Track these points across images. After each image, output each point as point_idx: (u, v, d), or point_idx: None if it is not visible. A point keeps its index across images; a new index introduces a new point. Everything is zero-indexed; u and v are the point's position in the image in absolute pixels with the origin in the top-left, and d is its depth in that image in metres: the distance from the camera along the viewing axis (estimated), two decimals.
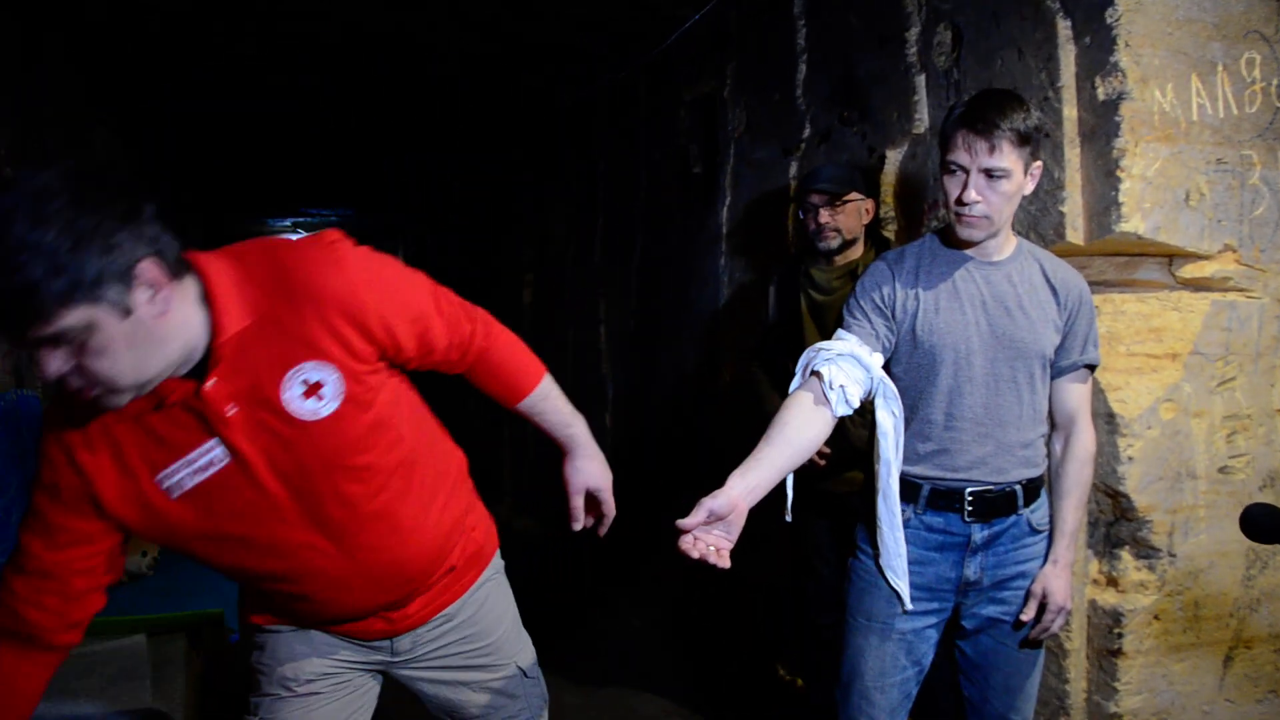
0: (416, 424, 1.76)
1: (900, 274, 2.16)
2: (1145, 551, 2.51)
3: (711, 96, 4.69)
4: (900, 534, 2.10)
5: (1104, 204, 2.46)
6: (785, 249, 3.84)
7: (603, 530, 2.09)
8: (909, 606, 2.14)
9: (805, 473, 2.84)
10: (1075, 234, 2.53)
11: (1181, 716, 2.57)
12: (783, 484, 2.01)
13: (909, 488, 2.13)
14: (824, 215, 2.99)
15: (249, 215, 12.75)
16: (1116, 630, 2.49)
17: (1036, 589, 2.13)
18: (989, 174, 2.00)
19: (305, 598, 1.72)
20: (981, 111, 2.00)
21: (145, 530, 1.58)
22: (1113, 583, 2.54)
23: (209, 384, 1.46)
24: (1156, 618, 2.52)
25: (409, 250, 13.44)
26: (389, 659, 1.90)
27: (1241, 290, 2.59)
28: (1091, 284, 2.60)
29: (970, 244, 2.11)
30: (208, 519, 1.56)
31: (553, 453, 2.08)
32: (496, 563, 2.03)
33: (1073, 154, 2.53)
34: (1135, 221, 2.43)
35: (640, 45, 5.16)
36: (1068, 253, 2.55)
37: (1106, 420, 2.47)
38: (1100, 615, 2.53)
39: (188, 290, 1.43)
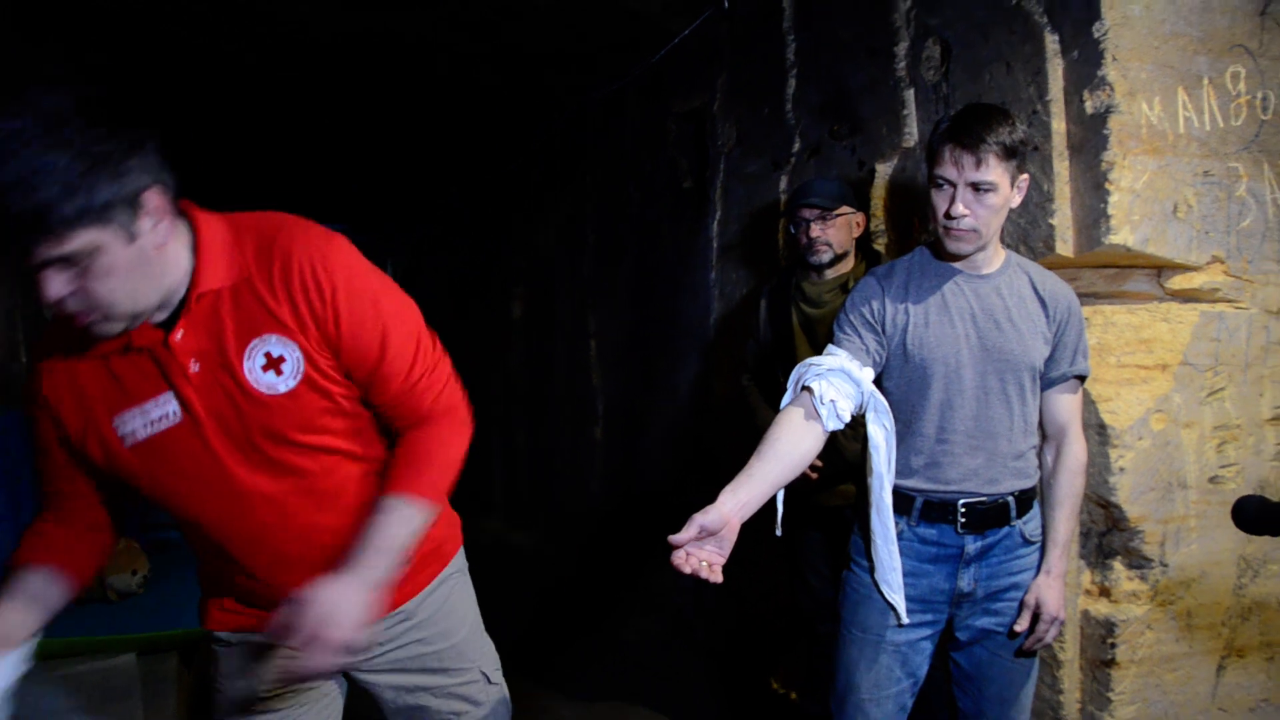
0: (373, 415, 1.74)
1: (890, 289, 2.17)
2: (1137, 561, 2.52)
3: (702, 110, 4.70)
4: (894, 547, 2.11)
5: (1093, 216, 2.48)
6: (776, 262, 3.85)
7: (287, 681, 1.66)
8: (905, 620, 2.14)
9: (798, 487, 2.84)
10: (1065, 246, 2.54)
11: None
12: (774, 498, 2.01)
13: (903, 500, 2.14)
14: (815, 229, 3.00)
15: None
16: (1109, 640, 2.50)
17: (1030, 599, 2.14)
18: (976, 188, 2.02)
19: (251, 575, 1.70)
20: (967, 126, 2.02)
21: (107, 470, 1.61)
22: (1105, 593, 2.55)
23: (177, 335, 1.50)
24: (1149, 627, 2.53)
25: (397, 264, 13.44)
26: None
27: (1230, 301, 2.61)
28: (1082, 296, 2.61)
29: (959, 258, 2.13)
30: (160, 472, 1.58)
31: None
32: (458, 561, 1.99)
33: (1062, 167, 2.55)
34: (1124, 234, 2.45)
35: (631, 59, 5.18)
36: (1058, 265, 2.57)
37: (1098, 431, 2.48)
38: (1093, 625, 2.54)
39: (181, 233, 1.49)
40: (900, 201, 3.14)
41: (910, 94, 3.11)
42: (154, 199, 1.39)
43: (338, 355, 1.60)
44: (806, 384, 2.03)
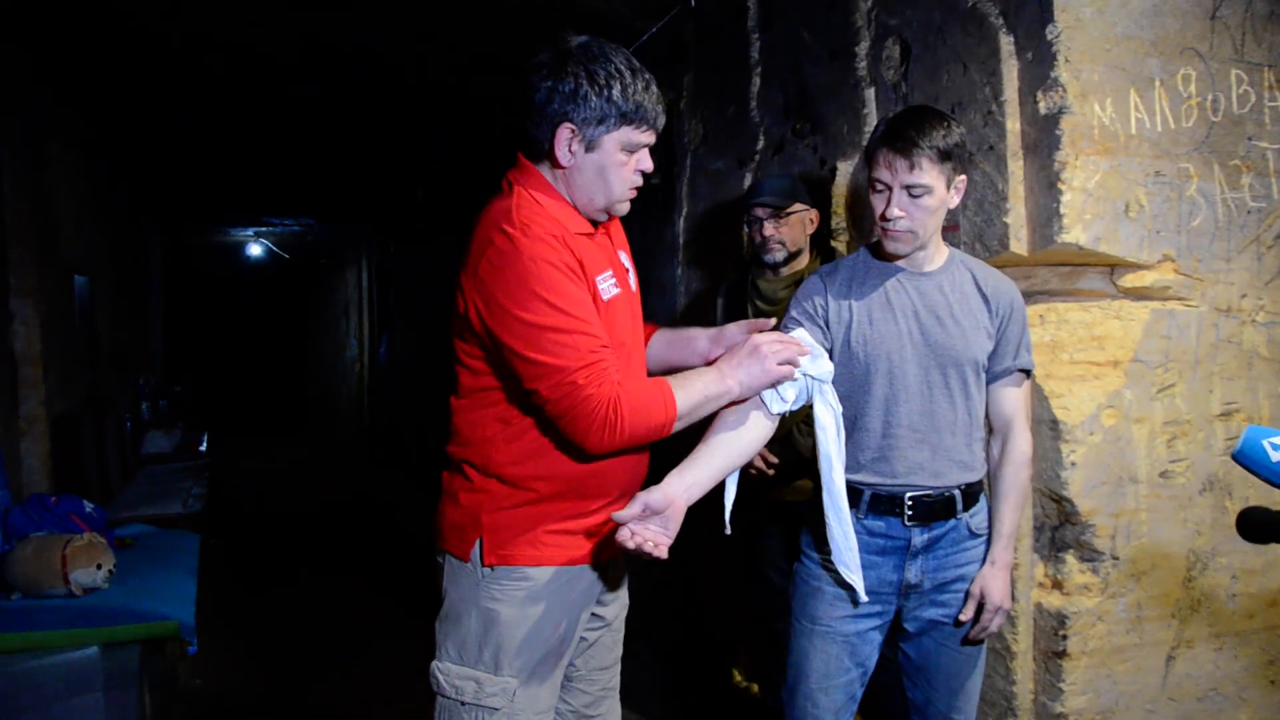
0: None
1: (832, 287, 2.22)
2: (1089, 555, 2.56)
3: (668, 108, 4.72)
4: (849, 528, 2.12)
5: (1046, 215, 2.51)
6: (740, 258, 3.88)
7: None
8: (864, 599, 2.16)
9: (755, 483, 2.88)
10: (1019, 245, 2.58)
11: (1125, 716, 2.62)
12: (723, 495, 2.05)
13: (852, 493, 2.17)
14: (768, 228, 3.03)
15: (208, 225, 12.69)
16: (1061, 632, 2.54)
17: (975, 589, 2.17)
18: (910, 191, 2.05)
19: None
20: (901, 130, 2.06)
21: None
22: (1058, 585, 2.59)
23: (610, 234, 2.09)
24: (1100, 619, 2.57)
25: (371, 261, 13.39)
26: (601, 593, 2.06)
27: (1180, 299, 2.66)
28: (1035, 293, 2.66)
29: (899, 257, 2.17)
30: (614, 329, 1.94)
31: None
32: None
33: (1016, 166, 2.58)
34: (1077, 232, 2.49)
35: None
36: (1012, 263, 2.60)
37: (1050, 426, 2.52)
38: (1046, 618, 2.58)
39: None
40: (861, 199, 3.16)
41: (871, 93, 3.15)
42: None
43: None
44: None
